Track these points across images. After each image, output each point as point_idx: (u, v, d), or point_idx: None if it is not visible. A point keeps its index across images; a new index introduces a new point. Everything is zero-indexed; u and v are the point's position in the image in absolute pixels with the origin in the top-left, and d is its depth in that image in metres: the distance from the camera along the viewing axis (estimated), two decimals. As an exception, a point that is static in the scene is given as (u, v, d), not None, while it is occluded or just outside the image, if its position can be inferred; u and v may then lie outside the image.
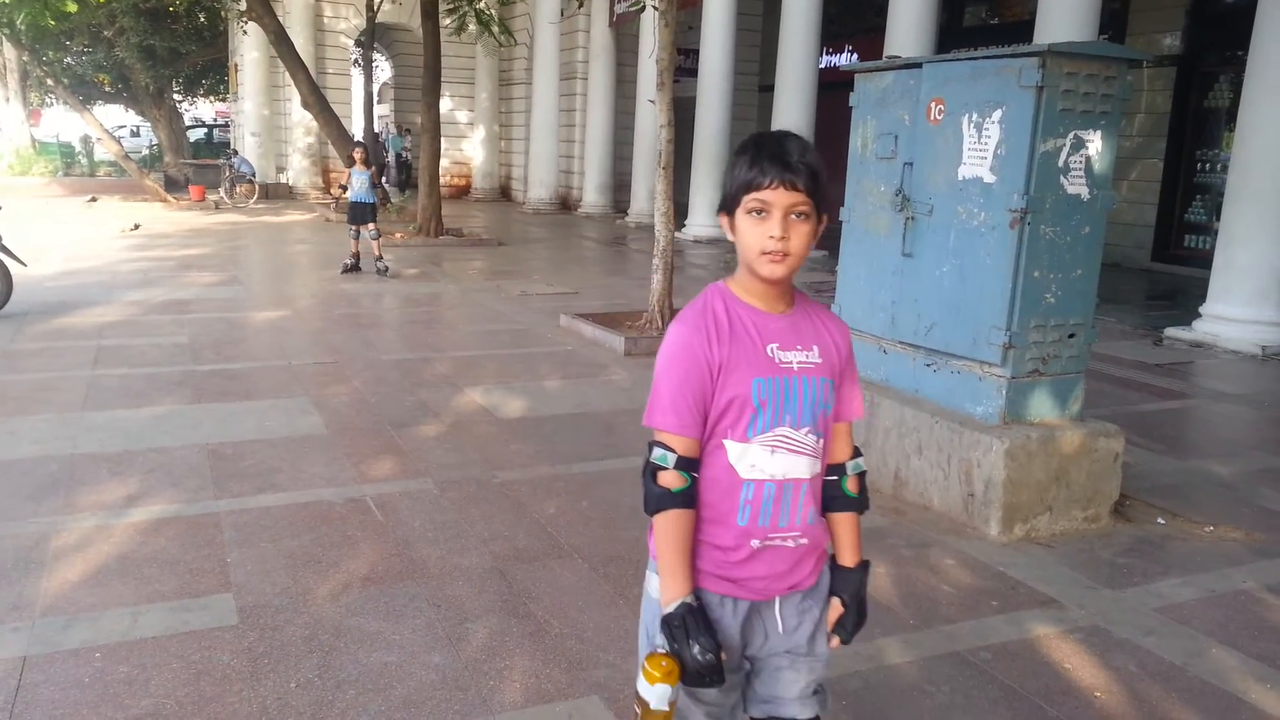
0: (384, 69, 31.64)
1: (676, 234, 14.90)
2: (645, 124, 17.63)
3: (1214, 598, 3.55)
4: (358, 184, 10.96)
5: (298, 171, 24.18)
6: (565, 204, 22.79)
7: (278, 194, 23.49)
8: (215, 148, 32.37)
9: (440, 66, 15.16)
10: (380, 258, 11.01)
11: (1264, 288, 8.18)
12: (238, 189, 21.58)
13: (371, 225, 10.94)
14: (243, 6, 17.73)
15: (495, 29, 16.86)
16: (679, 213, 15.37)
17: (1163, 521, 4.26)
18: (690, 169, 16.25)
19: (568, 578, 3.54)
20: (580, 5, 14.16)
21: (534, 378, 6.55)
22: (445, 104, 23.70)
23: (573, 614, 3.26)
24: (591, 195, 21.30)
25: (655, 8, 8.03)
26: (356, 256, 11.05)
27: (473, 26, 16.28)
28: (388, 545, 3.78)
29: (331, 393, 6.02)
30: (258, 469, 4.60)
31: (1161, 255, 13.83)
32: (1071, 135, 3.94)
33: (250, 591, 3.36)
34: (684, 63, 19.04)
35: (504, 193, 26.55)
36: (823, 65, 14.67)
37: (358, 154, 11.16)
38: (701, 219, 16.22)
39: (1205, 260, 9.05)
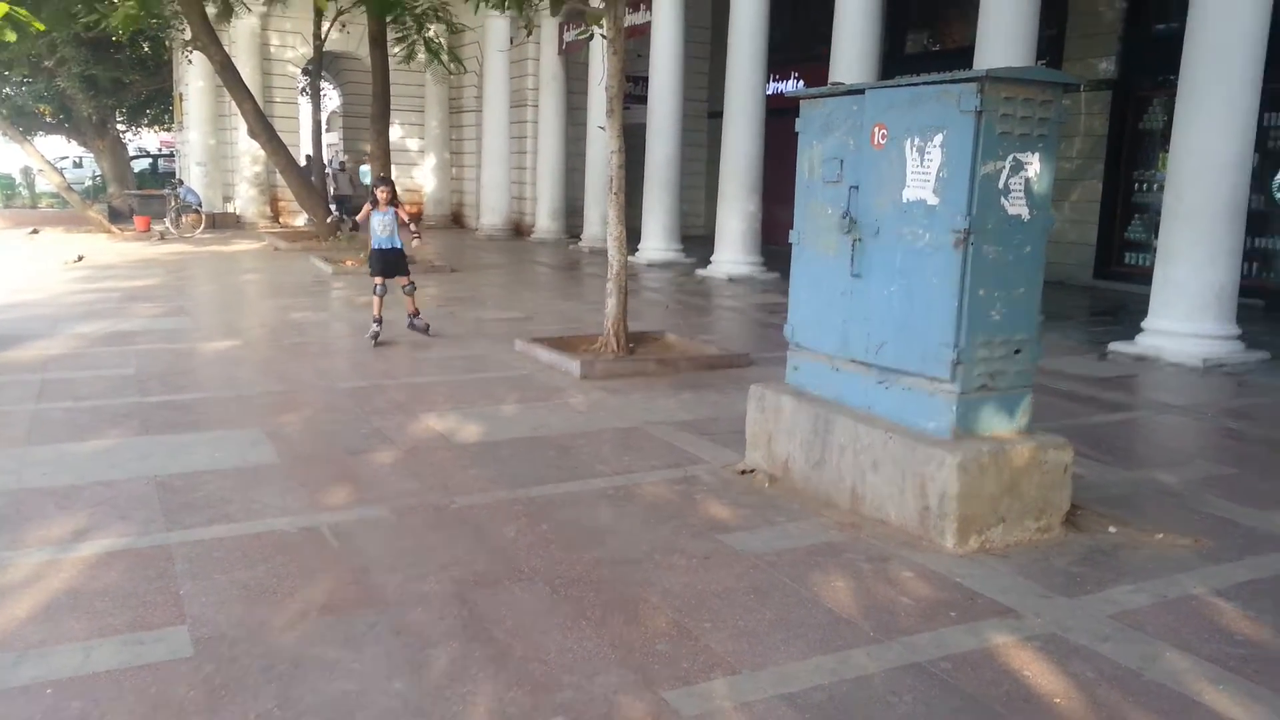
0: (332, 97, 31.48)
1: (630, 258, 15.01)
2: (597, 150, 17.72)
3: (1166, 603, 3.64)
4: (380, 227, 8.69)
5: (245, 201, 23.90)
6: (518, 230, 22.78)
7: (225, 223, 23.18)
8: (160, 178, 31.91)
9: (389, 95, 15.16)
10: (417, 314, 8.94)
11: (1203, 302, 8.42)
12: (184, 219, 21.24)
13: (404, 279, 8.77)
14: (188, 36, 17.56)
15: (444, 57, 16.91)
16: (632, 237, 15.47)
17: (1113, 530, 4.36)
18: (642, 194, 16.37)
19: (529, 601, 3.52)
20: (529, 34, 14.26)
21: (490, 402, 6.53)
22: (395, 132, 23.62)
23: (535, 637, 3.24)
24: (544, 221, 21.32)
25: (604, 36, 8.12)
26: (381, 320, 8.73)
27: (421, 55, 16.30)
28: (345, 573, 3.73)
29: (283, 422, 5.94)
30: (209, 500, 4.53)
31: (1103, 273, 14.20)
32: (1011, 158, 4.05)
33: (205, 623, 3.30)
34: (634, 89, 19.20)
35: (456, 219, 26.47)
36: (770, 92, 14.89)
37: (382, 193, 8.71)
38: (654, 243, 16.31)
39: (1145, 277, 9.31)
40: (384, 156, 15.07)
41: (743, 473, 5.11)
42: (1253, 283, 11.53)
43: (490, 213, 22.68)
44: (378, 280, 8.55)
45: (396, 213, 8.65)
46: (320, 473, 4.97)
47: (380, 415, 6.14)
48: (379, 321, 8.54)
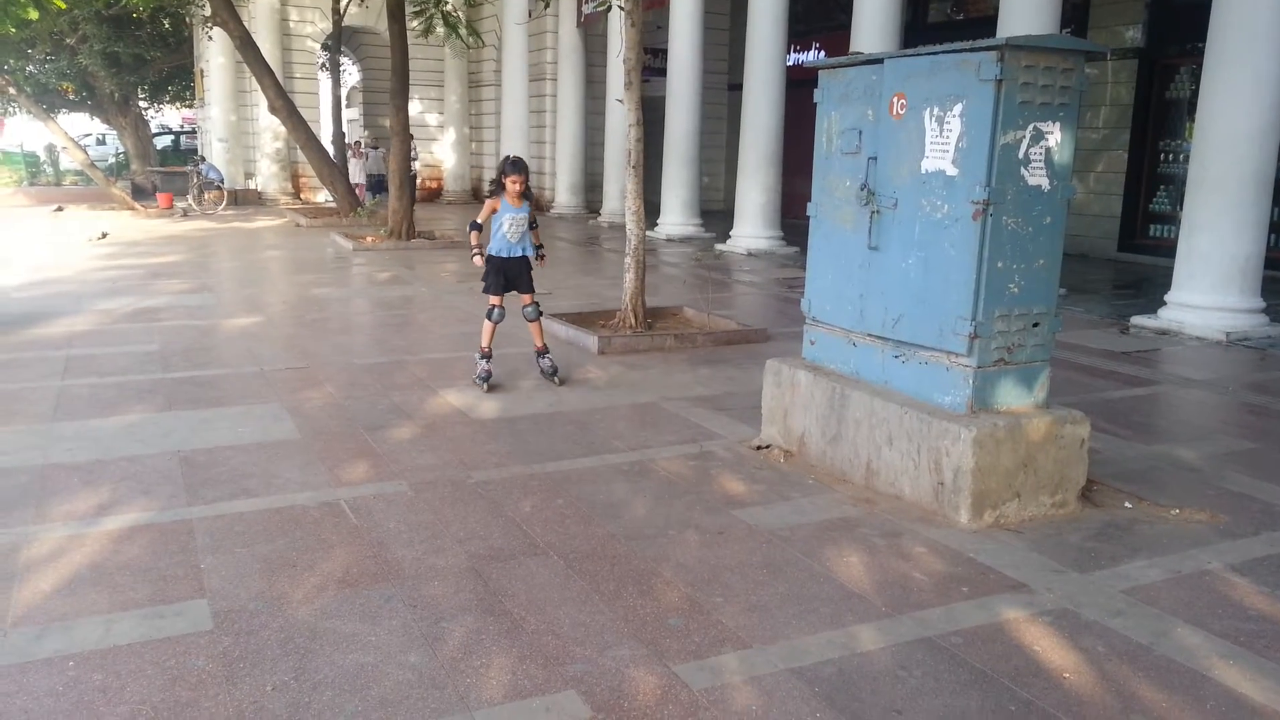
0: (352, 73, 31.46)
1: (649, 233, 14.96)
2: (616, 124, 17.65)
3: (1180, 578, 3.62)
4: (509, 228, 6.21)
5: (266, 177, 24.00)
6: (538, 204, 22.74)
7: (247, 200, 23.31)
8: (183, 154, 32.10)
9: (408, 69, 15.10)
10: (545, 351, 6.54)
11: (1227, 275, 8.32)
12: (206, 196, 21.39)
13: (528, 298, 6.41)
14: (207, 12, 17.58)
15: (463, 31, 16.82)
16: (651, 212, 15.43)
17: (1130, 505, 4.34)
18: (661, 168, 16.30)
19: (543, 575, 3.56)
20: (546, 6, 14.13)
21: (507, 378, 6.56)
22: (415, 107, 23.61)
23: (549, 610, 3.28)
24: (563, 195, 21.29)
25: (622, 8, 8.05)
26: (491, 355, 6.35)
27: (440, 29, 16.22)
28: (363, 548, 3.78)
29: (304, 398, 6.00)
30: (230, 475, 4.59)
31: (1128, 245, 14.03)
32: (1031, 127, 4.00)
33: (224, 597, 3.36)
34: (653, 62, 19.12)
35: (476, 195, 26.45)
36: (790, 63, 14.74)
37: (514, 181, 6.14)
38: (673, 218, 16.26)
39: (1170, 249, 9.20)
40: (403, 132, 15.04)
41: (758, 448, 5.12)
42: (1279, 255, 11.36)
43: (510, 187, 22.63)
44: (494, 301, 6.33)
45: (530, 212, 6.37)
46: (340, 448, 5.02)
47: (400, 391, 6.18)
48: (488, 357, 6.30)
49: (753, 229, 14.45)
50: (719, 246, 14.71)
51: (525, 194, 6.31)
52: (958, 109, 4.05)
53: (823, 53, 18.53)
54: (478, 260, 6.37)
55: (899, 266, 4.40)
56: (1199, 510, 4.30)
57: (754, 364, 6.49)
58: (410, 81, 15.77)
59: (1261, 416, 6.02)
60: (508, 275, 6.35)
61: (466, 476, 4.61)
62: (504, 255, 6.33)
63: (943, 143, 4.14)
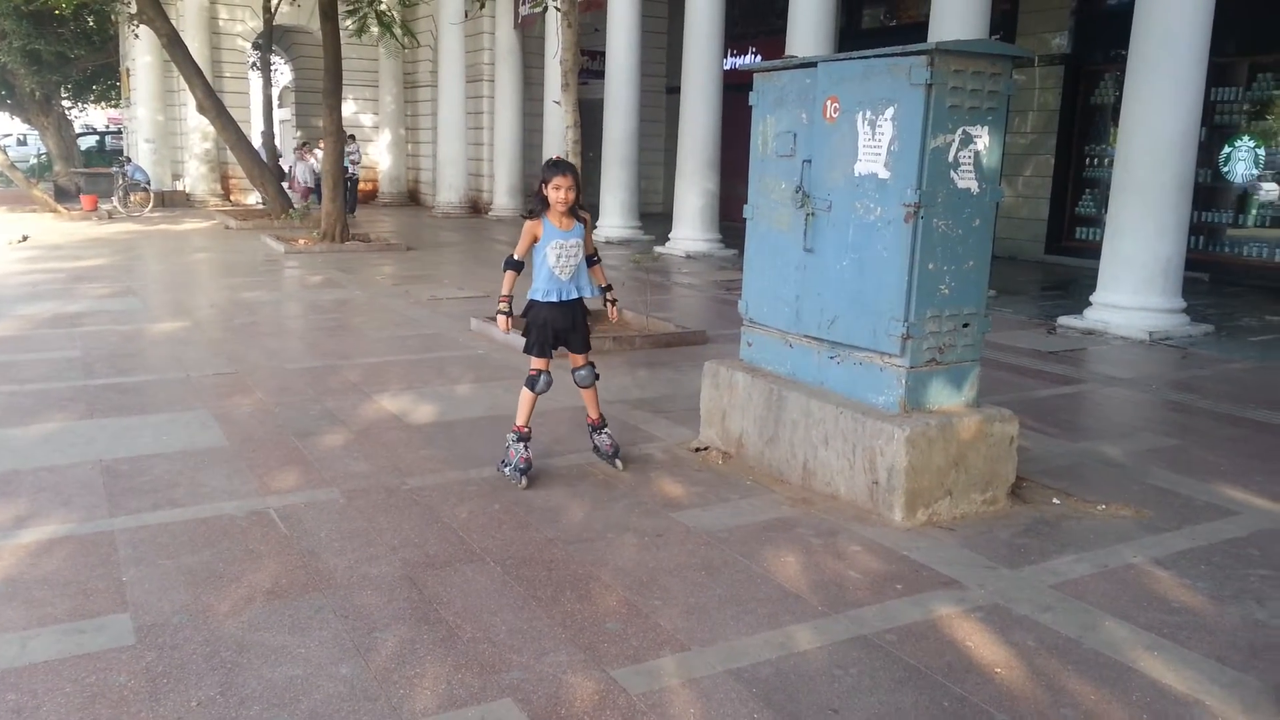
0: (283, 72, 30.89)
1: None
2: (554, 126, 17.58)
3: (1106, 573, 3.71)
4: (557, 260, 4.54)
5: (195, 178, 23.45)
6: (476, 207, 22.58)
7: (174, 202, 22.73)
8: (108, 155, 31.15)
9: (341, 69, 14.87)
10: (602, 425, 4.86)
11: (1150, 276, 8.56)
12: (132, 198, 20.80)
13: (582, 358, 4.76)
14: (133, 9, 17.12)
15: (397, 31, 16.63)
16: (592, 213, 15.41)
17: (1057, 502, 4.43)
18: (600, 170, 16.29)
19: (480, 582, 3.51)
20: (482, 7, 14.02)
21: (445, 382, 6.48)
22: (349, 107, 23.27)
23: (485, 618, 3.23)
24: (502, 198, 21.16)
25: (558, 9, 8.03)
26: (530, 436, 4.66)
27: (374, 28, 16.02)
28: (292, 557, 3.69)
29: (232, 404, 5.85)
30: (155, 484, 4.45)
31: (1055, 248, 14.39)
32: (960, 131, 4.07)
33: (148, 610, 3.25)
34: (590, 64, 19.10)
35: (412, 197, 26.17)
36: (727, 67, 14.83)
37: (562, 189, 4.45)
38: (612, 220, 16.25)
39: (1095, 251, 9.45)
40: (336, 132, 14.80)
41: (697, 450, 5.13)
42: (1199, 256, 11.77)
43: (447, 190, 22.44)
44: (538, 365, 4.63)
45: (585, 231, 4.65)
46: (269, 455, 4.90)
47: (332, 396, 6.07)
48: (527, 440, 4.59)
49: (691, 231, 14.50)
50: (658, 249, 14.74)
51: (576, 208, 4.54)
52: (889, 113, 4.10)
53: (759, 56, 18.68)
54: (502, 322, 4.61)
55: (834, 268, 4.44)
56: (1124, 506, 4.41)
57: (692, 366, 6.50)
58: (344, 82, 15.54)
59: (1183, 413, 6.21)
60: (556, 328, 4.59)
61: (401, 483, 4.53)
62: (552, 300, 4.56)
63: (875, 146, 4.19)
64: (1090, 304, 8.95)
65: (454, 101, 21.95)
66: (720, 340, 7.90)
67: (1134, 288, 8.60)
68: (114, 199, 20.74)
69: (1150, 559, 3.84)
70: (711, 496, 4.45)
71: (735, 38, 18.60)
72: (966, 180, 4.14)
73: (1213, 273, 12.13)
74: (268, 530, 3.94)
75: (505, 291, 4.63)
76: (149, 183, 21.41)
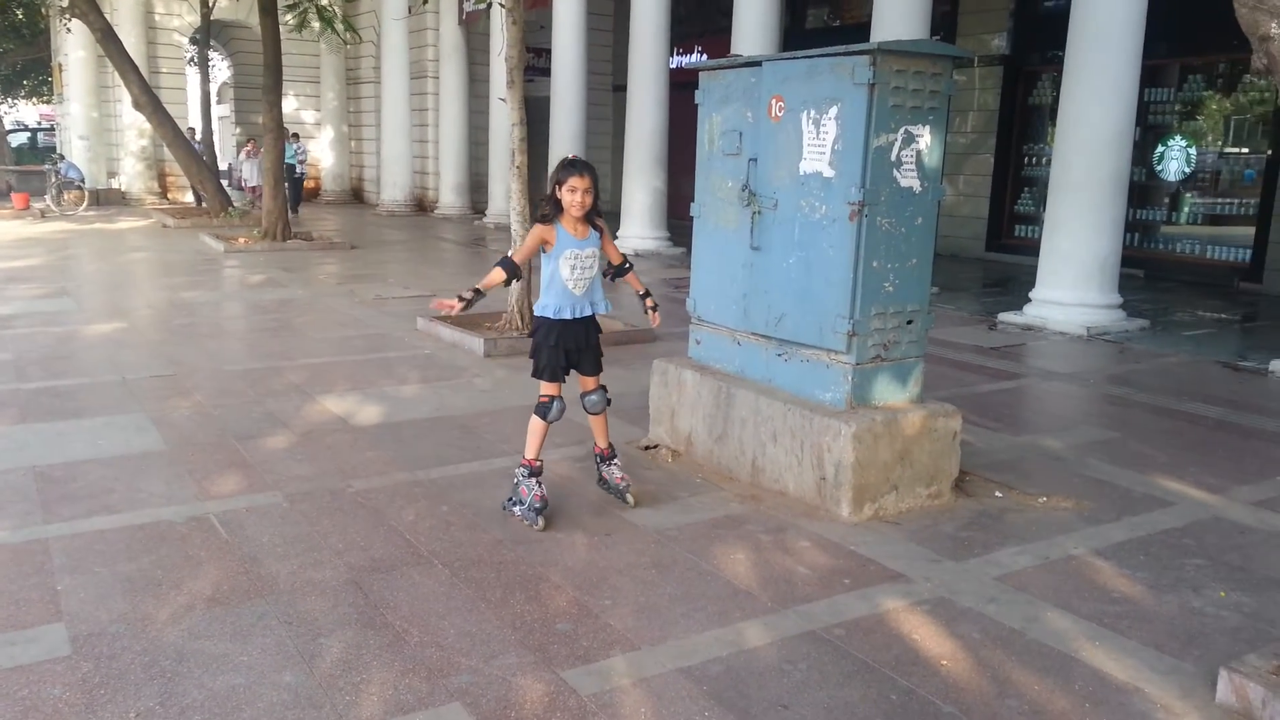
0: (222, 68, 30.29)
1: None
2: (500, 123, 17.47)
3: (1048, 564, 3.78)
4: (570, 273, 4.06)
5: (131, 176, 22.89)
6: (421, 205, 22.36)
7: (110, 200, 22.16)
8: (40, 152, 30.26)
9: (281, 65, 14.61)
10: (611, 455, 4.40)
11: (1087, 272, 8.76)
12: (66, 196, 20.23)
13: (593, 381, 4.31)
14: (65, 3, 16.63)
15: (339, 26, 16.38)
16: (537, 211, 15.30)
17: (1000, 495, 4.51)
18: (547, 169, 16.19)
19: (427, 585, 3.46)
20: (425, 2, 13.89)
21: (390, 383, 6.39)
22: (290, 104, 22.90)
23: (432, 621, 3.19)
24: (448, 196, 20.97)
25: (503, 5, 7.96)
26: (541, 469, 4.17)
27: (315, 24, 15.76)
28: (234, 563, 3.61)
29: (171, 407, 5.71)
30: (90, 490, 4.32)
31: (995, 245, 14.66)
32: (903, 130, 4.11)
33: (84, 620, 3.15)
34: (537, 62, 19.01)
35: (356, 195, 25.83)
36: (674, 65, 14.87)
37: (578, 191, 3.96)
38: (560, 218, 16.17)
39: (1034, 249, 9.63)
40: (276, 129, 14.54)
41: (646, 448, 5.12)
42: (1134, 253, 12.06)
43: (391, 188, 22.19)
44: (550, 390, 4.15)
45: (603, 239, 4.18)
46: (209, 459, 4.79)
47: (274, 398, 5.95)
48: (539, 475, 4.11)
49: (639, 230, 14.51)
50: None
51: (593, 214, 4.06)
52: (833, 112, 4.13)
53: (705, 55, 18.75)
54: (455, 304, 3.90)
55: (780, 266, 4.46)
56: (1064, 498, 4.50)
57: (642, 364, 6.49)
58: (284, 78, 15.28)
59: (1121, 407, 6.36)
60: (568, 348, 4.13)
61: (346, 485, 4.46)
62: (565, 316, 4.08)
63: (819, 145, 4.22)
64: (1030, 300, 9.12)
65: (398, 98, 21.71)
66: (669, 338, 7.91)
67: (1072, 284, 8.79)
68: (47, 198, 20.15)
69: (1090, 550, 3.92)
70: (661, 495, 4.44)
71: (681, 36, 18.64)
72: (909, 179, 4.19)
73: (1147, 269, 12.45)
74: (208, 536, 3.85)
75: (481, 285, 3.95)
76: (83, 181, 20.85)
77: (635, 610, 3.31)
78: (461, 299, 3.93)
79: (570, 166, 3.99)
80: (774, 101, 4.41)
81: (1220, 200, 12.59)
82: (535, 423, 4.15)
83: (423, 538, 3.88)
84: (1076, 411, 6.35)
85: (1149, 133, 12.70)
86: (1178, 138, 12.68)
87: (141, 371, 6.59)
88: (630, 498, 4.31)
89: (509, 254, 4.20)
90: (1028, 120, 14.41)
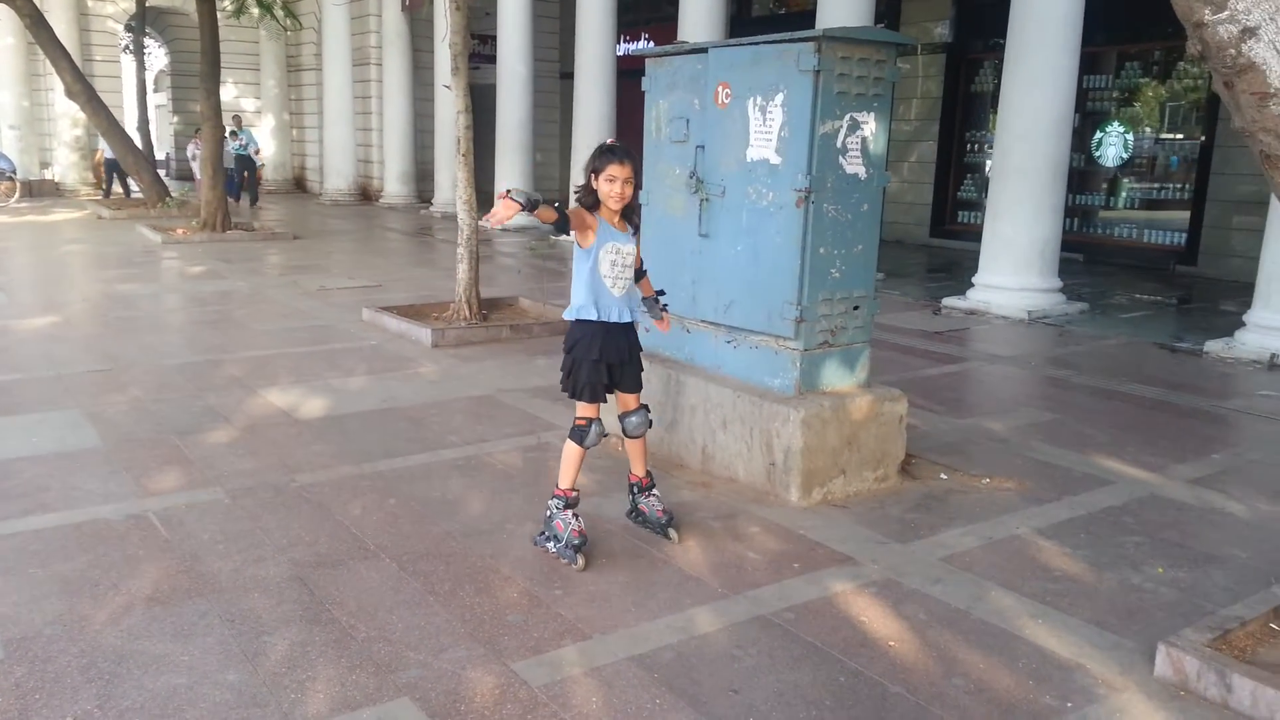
0: (158, 55, 29.53)
1: (484, 223, 14.72)
2: (446, 111, 17.26)
3: (992, 544, 3.84)
4: (611, 272, 3.58)
5: (65, 166, 22.22)
6: (366, 194, 22.04)
7: (43, 191, 21.50)
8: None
9: (219, 52, 14.27)
10: (651, 484, 3.93)
11: (1028, 257, 8.91)
12: (-5, 187, 19.60)
13: (634, 399, 3.79)
14: (-12, -14, 16.08)
15: (278, 13, 16.05)
16: (485, 201, 15.13)
17: (945, 477, 4.58)
18: (494, 157, 16.08)
19: (374, 579, 3.42)
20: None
21: (335, 375, 6.29)
22: (229, 91, 22.43)
23: (380, 616, 3.15)
24: (393, 185, 20.69)
25: (446, -9, 7.85)
26: (578, 498, 3.72)
27: (254, 10, 15.43)
28: (174, 561, 3.53)
29: (107, 402, 5.56)
30: (24, 489, 4.19)
31: (939, 231, 14.85)
32: (848, 117, 4.13)
33: (17, 623, 3.06)
34: (482, 49, 18.79)
35: (298, 184, 25.39)
36: (621, 52, 14.81)
37: (613, 180, 3.49)
38: (508, 207, 16.04)
39: (977, 234, 9.77)
40: (215, 117, 14.20)
41: (596, 437, 5.10)
42: (1073, 238, 12.28)
43: (335, 176, 21.84)
44: (587, 412, 3.66)
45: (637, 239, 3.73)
46: (148, 456, 4.67)
47: (215, 392, 5.82)
48: (576, 507, 3.67)
49: (588, 218, 14.43)
50: (554, 236, 14.64)
51: (631, 211, 3.63)
52: (779, 99, 4.14)
53: (652, 42, 18.69)
54: (501, 209, 3.18)
55: (729, 253, 4.47)
56: (1008, 479, 4.58)
57: (590, 353, 6.46)
58: (223, 65, 14.93)
59: (1061, 388, 6.48)
60: (610, 361, 3.61)
61: (290, 480, 4.38)
62: (606, 319, 3.59)
63: (766, 132, 4.23)
64: (973, 285, 9.26)
65: (340, 86, 21.35)
66: (618, 326, 7.89)
67: (1013, 269, 8.94)
68: (-26, 189, 19.51)
69: (1033, 529, 3.99)
70: (611, 484, 4.43)
71: (628, 24, 18.56)
72: (854, 166, 4.21)
73: (1086, 253, 12.70)
74: (147, 534, 3.76)
75: (546, 208, 3.27)
76: (14, 171, 20.22)
77: (586, 599, 3.30)
78: (525, 203, 3.19)
79: (609, 153, 3.51)
80: (720, 88, 4.40)
81: (1156, 185, 12.89)
82: (571, 449, 3.67)
83: (369, 531, 3.82)
84: (1019, 394, 6.47)
85: (1088, 119, 12.94)
86: (1115, 124, 12.94)
87: (77, 366, 6.41)
88: (674, 533, 3.77)
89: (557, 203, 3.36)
90: (970, 107, 14.59)
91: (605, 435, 3.72)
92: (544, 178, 20.39)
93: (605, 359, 3.59)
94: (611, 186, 3.49)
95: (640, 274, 3.80)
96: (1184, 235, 12.23)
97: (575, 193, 3.62)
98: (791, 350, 4.28)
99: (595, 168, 3.53)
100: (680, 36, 12.02)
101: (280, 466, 4.55)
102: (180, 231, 13.96)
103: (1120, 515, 4.18)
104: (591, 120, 14.25)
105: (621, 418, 3.78)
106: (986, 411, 5.86)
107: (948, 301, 9.30)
